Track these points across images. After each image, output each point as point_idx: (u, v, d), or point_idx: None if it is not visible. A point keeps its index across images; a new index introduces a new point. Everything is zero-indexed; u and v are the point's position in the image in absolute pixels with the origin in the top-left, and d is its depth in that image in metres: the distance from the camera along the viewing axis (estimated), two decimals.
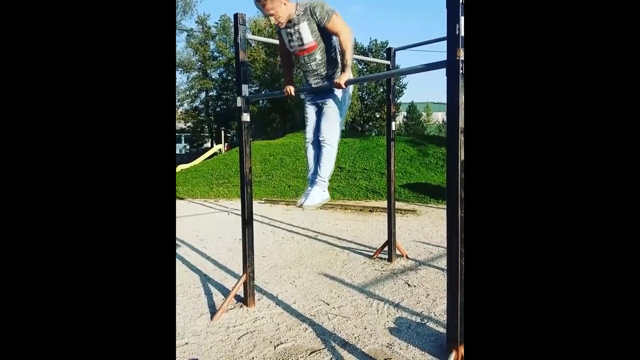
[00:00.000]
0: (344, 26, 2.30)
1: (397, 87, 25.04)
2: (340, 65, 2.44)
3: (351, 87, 2.54)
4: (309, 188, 2.53)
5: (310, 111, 2.58)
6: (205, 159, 18.85)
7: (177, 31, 26.52)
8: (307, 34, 2.25)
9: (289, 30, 2.33)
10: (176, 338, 2.60)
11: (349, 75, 2.34)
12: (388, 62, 4.20)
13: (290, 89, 2.64)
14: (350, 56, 2.30)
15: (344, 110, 2.52)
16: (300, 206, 2.46)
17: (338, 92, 2.44)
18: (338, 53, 2.42)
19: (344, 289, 3.44)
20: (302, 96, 2.78)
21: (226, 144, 23.69)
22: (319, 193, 2.48)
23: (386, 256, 4.29)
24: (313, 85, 2.50)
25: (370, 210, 7.73)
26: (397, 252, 4.32)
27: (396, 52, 4.23)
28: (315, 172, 2.52)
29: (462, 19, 1.72)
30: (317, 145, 2.53)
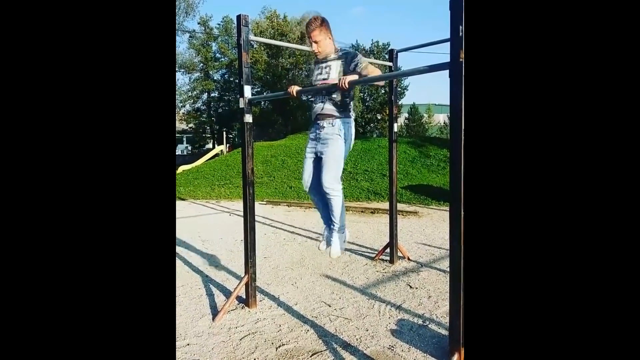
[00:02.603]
0: (376, 68, 2.47)
1: (399, 89, 25.04)
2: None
3: (351, 133, 2.55)
4: (327, 234, 2.66)
5: (308, 162, 2.61)
6: (207, 160, 18.89)
7: (179, 32, 26.59)
8: (335, 72, 2.42)
9: (322, 64, 2.50)
10: (178, 339, 2.60)
11: (354, 78, 2.38)
12: (390, 64, 4.20)
13: (294, 89, 2.66)
14: (368, 73, 2.36)
15: (347, 150, 2.53)
16: (328, 254, 2.64)
17: (341, 132, 2.46)
18: (348, 102, 2.51)
19: (346, 291, 3.43)
20: (304, 98, 2.78)
21: (228, 145, 23.71)
22: (341, 238, 2.60)
23: (388, 258, 4.29)
24: (316, 106, 2.54)
25: (371, 212, 7.73)
26: (399, 254, 4.31)
27: (398, 54, 4.23)
28: (330, 220, 2.61)
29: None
30: (321, 194, 2.58)
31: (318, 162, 2.54)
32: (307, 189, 2.64)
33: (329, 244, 2.63)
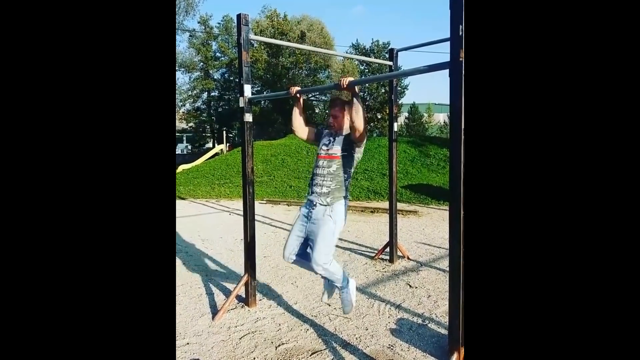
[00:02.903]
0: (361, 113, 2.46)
1: (399, 88, 25.03)
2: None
3: (342, 215, 2.46)
4: (327, 283, 2.61)
5: (295, 239, 2.52)
6: (207, 159, 18.88)
7: (179, 31, 26.51)
8: (339, 145, 2.48)
9: (330, 137, 2.55)
10: (178, 338, 2.60)
11: (352, 79, 2.40)
12: (390, 63, 4.20)
13: (294, 89, 2.70)
14: (358, 109, 2.38)
15: (338, 232, 2.46)
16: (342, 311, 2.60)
17: (332, 214, 2.40)
18: (346, 178, 2.49)
19: None
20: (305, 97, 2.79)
21: (228, 144, 23.71)
22: (350, 293, 2.55)
23: (387, 257, 4.29)
24: (312, 197, 2.48)
25: (371, 211, 7.73)
26: (399, 253, 4.32)
27: (398, 53, 4.23)
28: (332, 285, 2.57)
29: None
30: (304, 263, 2.54)
31: (305, 242, 2.52)
32: (288, 261, 2.58)
33: (330, 293, 2.64)
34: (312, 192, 2.49)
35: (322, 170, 2.46)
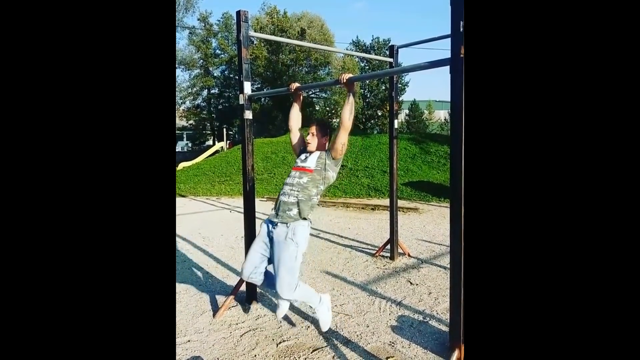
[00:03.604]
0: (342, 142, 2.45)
1: (400, 85, 24.96)
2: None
3: (304, 237, 2.37)
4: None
5: (256, 256, 2.45)
6: (207, 157, 18.89)
7: (179, 29, 26.45)
8: (313, 160, 2.48)
9: (306, 155, 2.56)
10: (179, 335, 2.60)
11: (351, 75, 2.41)
12: (391, 60, 4.19)
13: (294, 85, 2.71)
14: (353, 98, 2.41)
15: (300, 254, 2.37)
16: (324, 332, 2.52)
17: (294, 237, 2.33)
18: (315, 194, 2.43)
19: (346, 287, 3.44)
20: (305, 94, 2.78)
21: (228, 141, 23.72)
22: (325, 310, 2.49)
23: (388, 254, 4.30)
24: (273, 211, 2.43)
25: (372, 208, 7.73)
26: (399, 250, 4.32)
27: (399, 50, 4.22)
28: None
29: None
30: (268, 285, 2.50)
31: (268, 261, 2.48)
32: (248, 280, 2.51)
33: (283, 310, 2.52)
34: (278, 203, 2.43)
35: (293, 180, 2.44)
